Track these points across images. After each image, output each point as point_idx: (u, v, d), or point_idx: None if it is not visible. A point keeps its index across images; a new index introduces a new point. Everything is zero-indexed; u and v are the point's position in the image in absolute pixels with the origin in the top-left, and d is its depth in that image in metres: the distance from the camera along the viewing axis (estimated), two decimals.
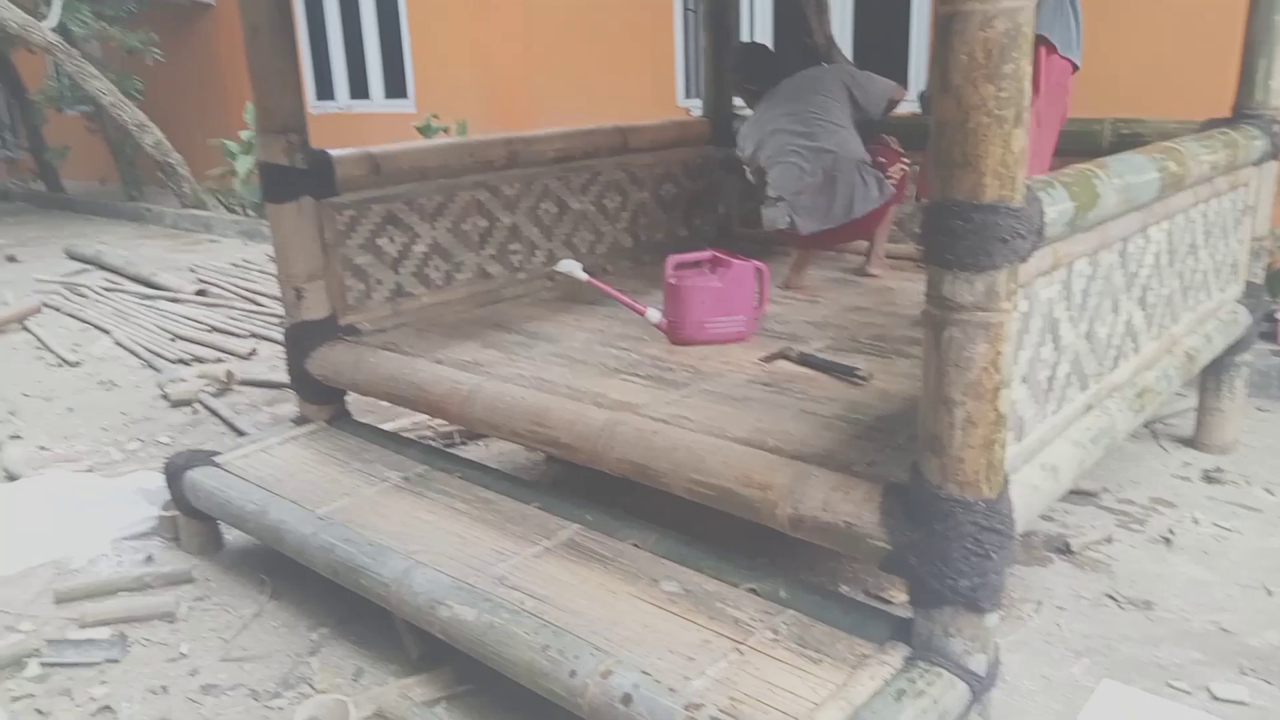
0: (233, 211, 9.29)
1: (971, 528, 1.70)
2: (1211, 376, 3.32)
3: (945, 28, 1.55)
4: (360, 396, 3.11)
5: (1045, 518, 2.92)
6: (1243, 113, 3.07)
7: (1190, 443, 3.48)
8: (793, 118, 3.46)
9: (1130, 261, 2.33)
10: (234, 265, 7.16)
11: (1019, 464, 1.92)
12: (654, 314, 3.00)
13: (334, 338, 3.07)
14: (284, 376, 3.27)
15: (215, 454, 2.91)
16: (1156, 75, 4.99)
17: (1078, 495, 3.07)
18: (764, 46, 3.91)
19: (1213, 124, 3.06)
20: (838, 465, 2.01)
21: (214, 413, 4.13)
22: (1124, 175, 2.09)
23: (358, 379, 2.93)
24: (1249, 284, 3.25)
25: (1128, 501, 3.08)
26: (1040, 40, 2.72)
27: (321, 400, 3.13)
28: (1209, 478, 3.22)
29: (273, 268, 3.25)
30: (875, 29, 6.29)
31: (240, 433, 3.86)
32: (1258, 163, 3.05)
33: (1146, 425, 3.61)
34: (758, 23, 6.77)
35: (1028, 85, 1.57)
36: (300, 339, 3.04)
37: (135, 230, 9.41)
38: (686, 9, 7.06)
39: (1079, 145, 3.34)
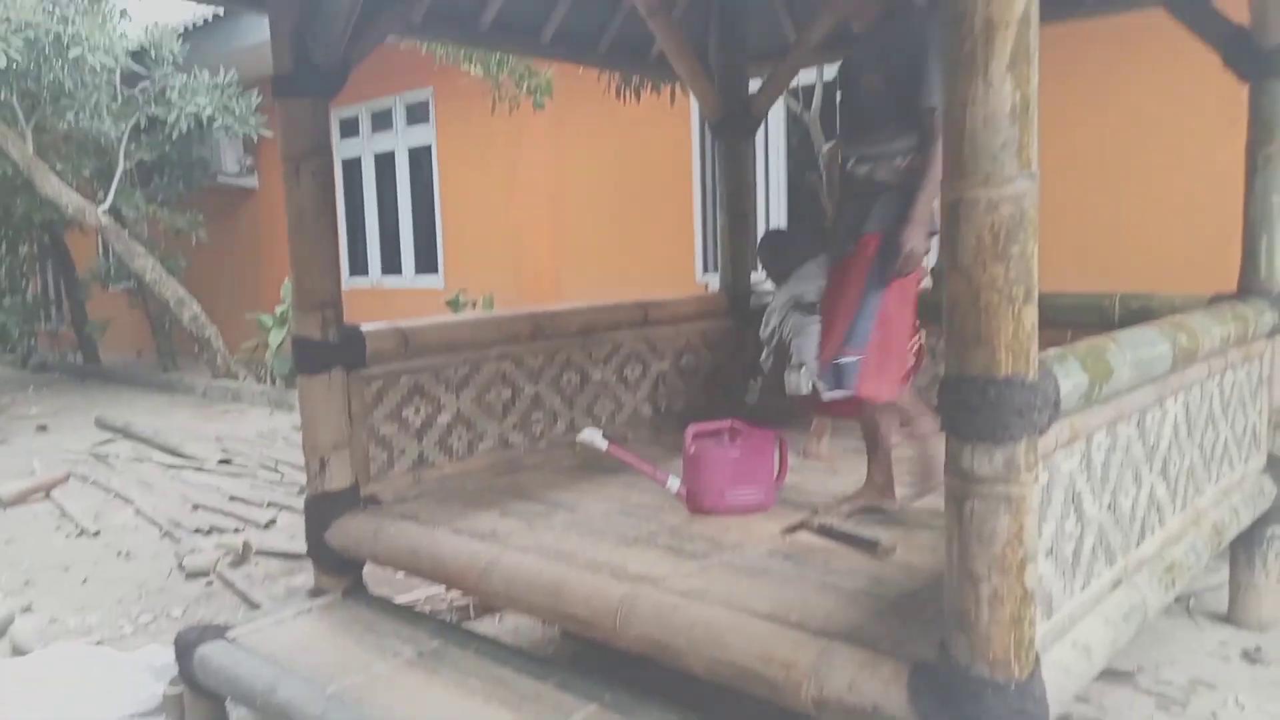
0: (262, 382, 9.51)
1: (1003, 711, 1.63)
2: (1243, 550, 3.25)
3: (954, 212, 1.63)
4: (376, 566, 3.09)
5: (1080, 699, 2.79)
6: (1249, 288, 3.14)
7: (1226, 619, 3.35)
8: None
9: (1149, 433, 2.33)
10: (259, 434, 7.25)
11: (1049, 643, 1.87)
12: (674, 483, 3.00)
13: (355, 508, 3.07)
14: (302, 546, 3.26)
15: (227, 628, 2.87)
16: (1162, 251, 5.14)
17: (1113, 676, 2.94)
18: (782, 232, 4.07)
19: (1220, 299, 3.13)
20: (863, 642, 1.95)
21: (230, 584, 4.08)
22: (1136, 349, 2.13)
23: (377, 550, 2.91)
24: (1271, 456, 3.22)
25: (1165, 683, 2.94)
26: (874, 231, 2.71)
27: (339, 572, 3.10)
28: (1249, 657, 3.08)
29: (297, 437, 3.30)
30: None
31: (255, 605, 3.80)
32: (1269, 335, 3.09)
33: (1179, 601, 3.49)
34: (773, 204, 7.08)
35: (1034, 264, 1.63)
36: (321, 509, 3.05)
37: (167, 400, 9.61)
38: (705, 192, 7.40)
39: (1089, 319, 3.41)
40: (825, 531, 2.67)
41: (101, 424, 7.82)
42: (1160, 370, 2.26)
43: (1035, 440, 1.66)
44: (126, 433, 7.44)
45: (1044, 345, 1.75)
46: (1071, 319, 3.44)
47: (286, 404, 8.41)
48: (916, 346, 3.61)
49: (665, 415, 4.20)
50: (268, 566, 4.34)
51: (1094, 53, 5.25)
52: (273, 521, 4.99)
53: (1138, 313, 3.29)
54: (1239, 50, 3.07)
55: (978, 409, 1.63)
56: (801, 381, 3.48)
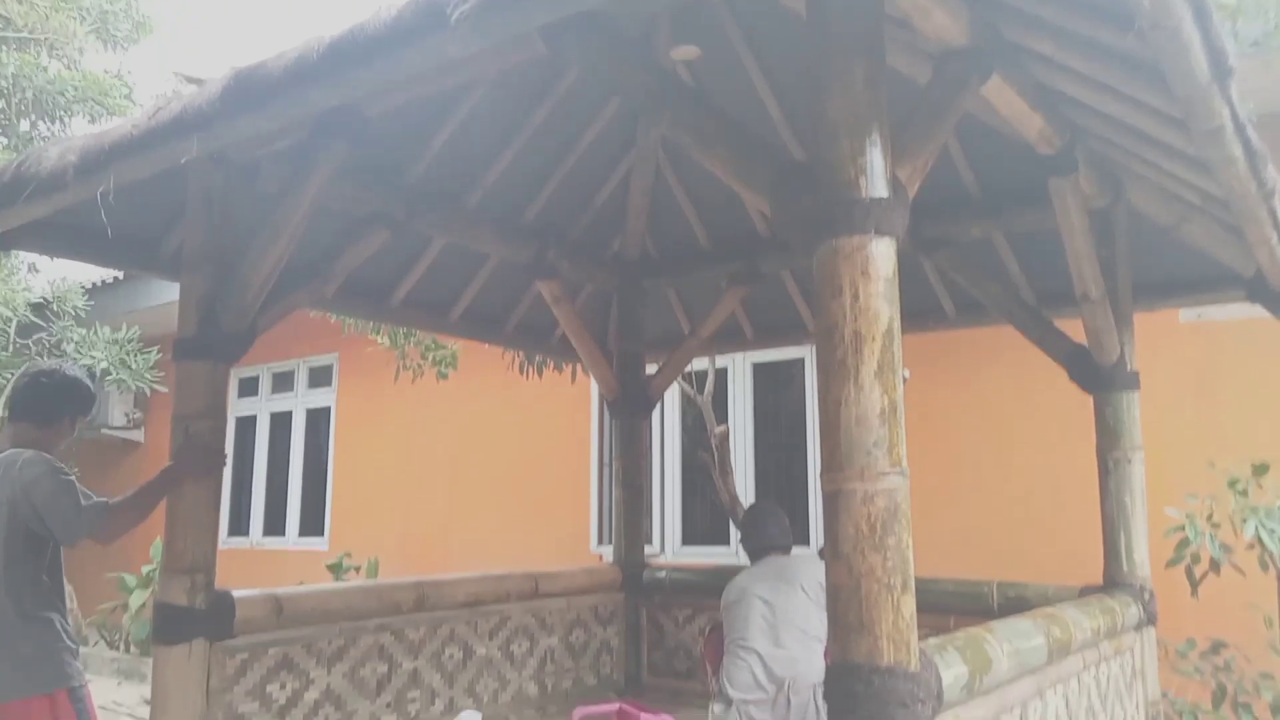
0: (115, 648, 8.72)
1: None
2: None
3: (831, 502, 1.73)
4: None
5: None
6: (1114, 581, 3.30)
7: None
8: (768, 606, 3.34)
9: None
10: (101, 708, 6.54)
11: None
12: None
13: None
14: None
15: None
16: (1034, 544, 5.38)
17: None
18: (762, 510, 3.82)
19: (1089, 590, 3.26)
20: None
21: None
22: (1013, 640, 2.19)
23: None
24: None
25: None
26: None
27: None
28: None
29: (144, 712, 3.01)
30: (777, 486, 6.75)
31: None
32: (1137, 628, 3.21)
33: None
34: (668, 480, 7.23)
35: (910, 555, 1.70)
36: None
37: None
38: (603, 465, 7.53)
39: (969, 605, 3.50)
40: None
41: None
42: (1037, 661, 2.31)
43: None
44: None
45: (926, 630, 1.79)
46: (952, 604, 3.53)
47: (138, 674, 7.67)
48: None
49: (552, 695, 4.01)
50: None
51: (963, 360, 5.76)
52: None
53: (1014, 601, 3.40)
54: (1081, 366, 3.42)
55: (862, 699, 1.63)
56: (725, 718, 3.31)
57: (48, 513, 2.65)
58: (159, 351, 9.06)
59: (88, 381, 3.11)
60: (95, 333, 9.08)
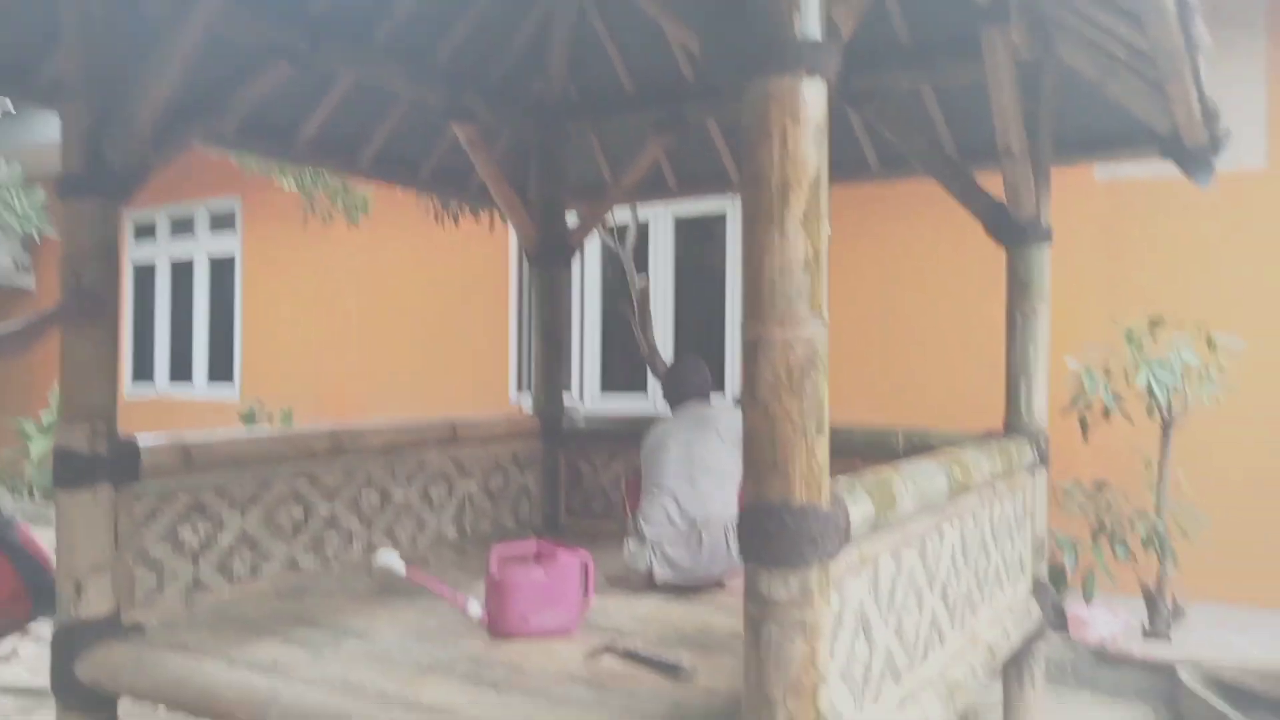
0: (18, 496, 8.54)
1: None
2: (1013, 668, 3.46)
3: (751, 350, 1.73)
4: (137, 704, 2.77)
5: None
6: (1013, 427, 3.46)
7: None
8: (685, 450, 3.45)
9: (929, 558, 2.48)
10: None
11: None
12: (475, 607, 2.89)
13: (114, 636, 2.76)
14: (46, 681, 2.88)
15: None
16: (941, 391, 5.60)
17: None
18: (684, 362, 3.89)
19: (989, 435, 3.43)
20: None
21: None
22: (917, 479, 2.28)
23: (136, 683, 2.61)
24: (1035, 580, 3.50)
25: None
26: None
27: (88, 709, 2.75)
28: None
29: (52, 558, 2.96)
30: (696, 339, 6.84)
31: None
32: (1030, 470, 3.40)
33: (960, 718, 3.66)
34: (588, 331, 7.24)
35: (825, 400, 1.73)
36: (71, 639, 2.72)
37: None
38: (521, 315, 7.48)
39: (876, 451, 3.64)
40: (629, 656, 2.63)
41: None
42: (938, 499, 2.42)
43: (828, 566, 1.73)
44: None
45: (835, 472, 1.84)
46: (861, 450, 3.66)
47: (45, 520, 7.55)
48: None
49: (471, 537, 4.08)
50: (2, 705, 3.80)
51: (883, 210, 5.80)
52: (14, 653, 4.41)
53: (919, 446, 3.55)
54: (998, 221, 3.48)
55: (774, 536, 1.68)
56: (639, 557, 3.39)
57: None
58: (44, 192, 8.52)
59: None
60: None
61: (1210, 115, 2.98)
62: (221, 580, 3.12)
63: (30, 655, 4.39)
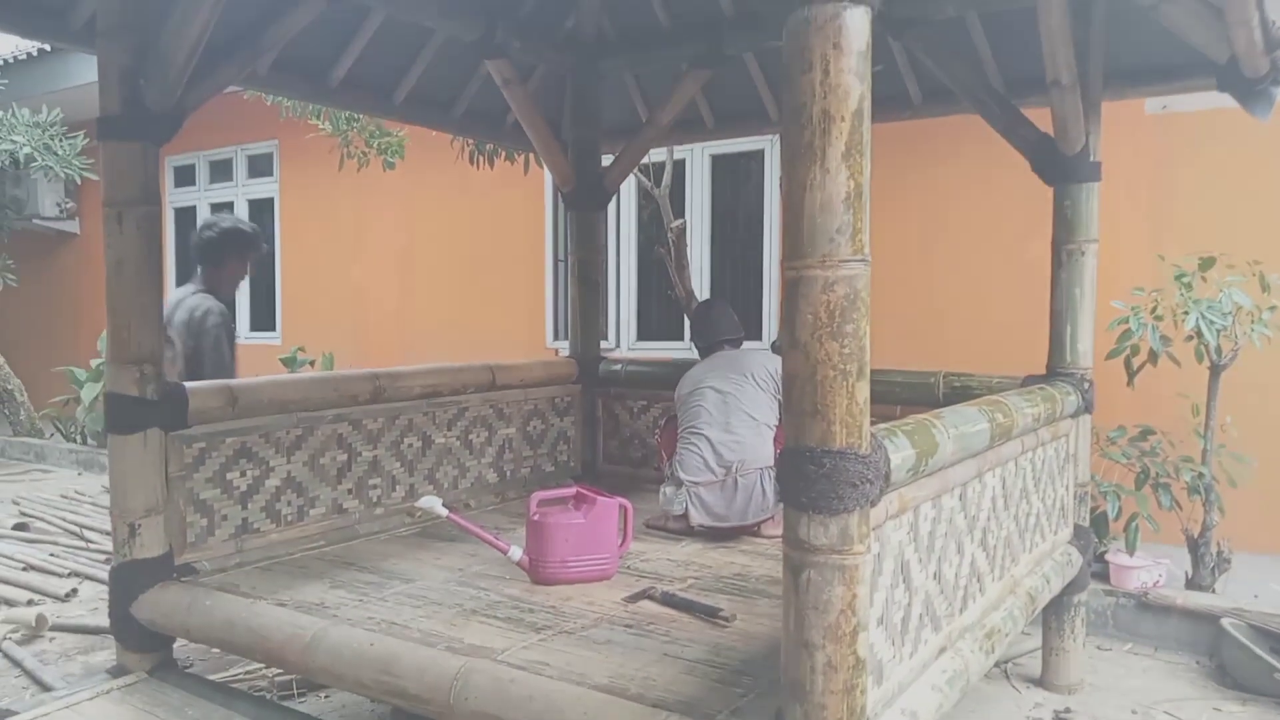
0: (71, 440, 8.78)
1: None
2: (1053, 616, 3.45)
3: (792, 290, 1.69)
4: (190, 643, 2.86)
5: None
6: (1056, 371, 3.40)
7: (1039, 682, 3.55)
8: (720, 396, 3.45)
9: (970, 505, 2.46)
10: (64, 497, 6.66)
11: (880, 710, 1.91)
12: (516, 551, 2.94)
13: (167, 578, 2.84)
14: (105, 620, 2.98)
15: (10, 714, 2.57)
16: (982, 334, 5.51)
17: None
18: (713, 306, 3.96)
19: (1032, 380, 3.37)
20: (701, 714, 1.94)
21: (16, 663, 3.68)
22: (958, 425, 2.25)
23: (190, 624, 2.70)
24: (1077, 527, 3.47)
25: None
26: None
27: (145, 648, 2.85)
28: (1060, 719, 3.26)
29: (107, 500, 3.04)
30: (733, 282, 6.78)
31: (47, 687, 3.44)
32: (1074, 415, 3.35)
33: (998, 666, 3.67)
34: (624, 275, 7.20)
35: (867, 343, 1.70)
36: (128, 579, 2.81)
37: None
38: (557, 260, 7.46)
39: (916, 396, 3.61)
40: (668, 600, 2.66)
41: None
42: (980, 446, 2.39)
43: (868, 512, 1.72)
44: None
45: (875, 420, 1.82)
46: (900, 395, 3.62)
47: (98, 464, 7.78)
48: None
49: (510, 482, 4.13)
50: (64, 643, 3.95)
51: (923, 151, 5.66)
52: (73, 593, 4.56)
53: (959, 391, 3.50)
54: (1044, 157, 3.37)
55: (814, 480, 1.67)
56: (674, 500, 3.41)
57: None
58: (85, 136, 8.57)
59: (245, 227, 3.96)
60: (14, 115, 8.56)
61: (1273, 42, 2.86)
62: (269, 523, 3.19)
63: (90, 595, 4.55)
